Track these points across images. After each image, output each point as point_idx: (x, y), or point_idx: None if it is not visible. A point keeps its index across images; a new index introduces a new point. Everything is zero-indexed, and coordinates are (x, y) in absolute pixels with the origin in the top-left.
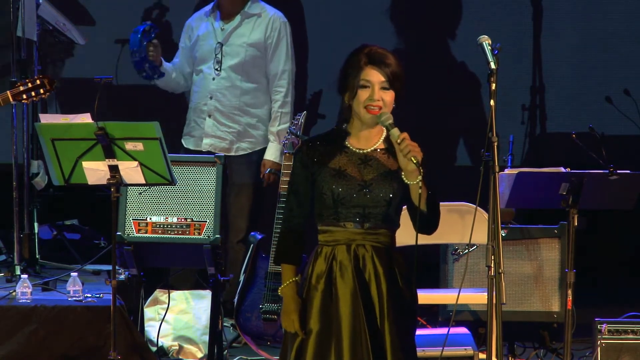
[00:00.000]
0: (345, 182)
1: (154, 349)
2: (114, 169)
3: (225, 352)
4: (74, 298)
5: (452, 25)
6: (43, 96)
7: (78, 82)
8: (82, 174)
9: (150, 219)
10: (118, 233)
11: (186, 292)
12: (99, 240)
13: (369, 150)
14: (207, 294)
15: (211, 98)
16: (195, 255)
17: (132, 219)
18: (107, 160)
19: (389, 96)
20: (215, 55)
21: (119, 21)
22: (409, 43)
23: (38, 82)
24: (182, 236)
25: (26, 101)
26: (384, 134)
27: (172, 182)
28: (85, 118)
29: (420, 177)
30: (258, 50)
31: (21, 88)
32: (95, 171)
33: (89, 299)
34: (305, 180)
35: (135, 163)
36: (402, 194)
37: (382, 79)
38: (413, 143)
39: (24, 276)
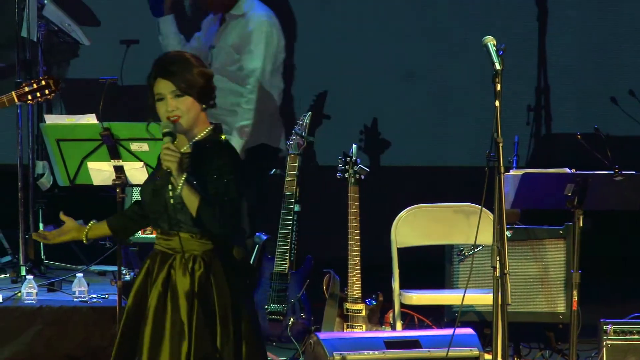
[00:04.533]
0: (148, 186)
1: None
2: (119, 170)
3: None
4: (80, 299)
5: (457, 26)
6: (48, 97)
7: (83, 82)
8: (87, 174)
9: None
10: None
11: None
12: (104, 241)
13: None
14: None
15: None
16: None
17: None
18: (112, 160)
19: (184, 103)
20: (208, 58)
21: (124, 22)
22: (416, 42)
23: (43, 82)
24: None
25: (31, 102)
26: (198, 137)
27: None
28: (91, 119)
29: (179, 186)
30: (237, 52)
31: (26, 89)
32: (100, 172)
33: (94, 300)
34: None
35: (141, 164)
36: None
37: (172, 88)
38: (170, 152)
39: (29, 277)
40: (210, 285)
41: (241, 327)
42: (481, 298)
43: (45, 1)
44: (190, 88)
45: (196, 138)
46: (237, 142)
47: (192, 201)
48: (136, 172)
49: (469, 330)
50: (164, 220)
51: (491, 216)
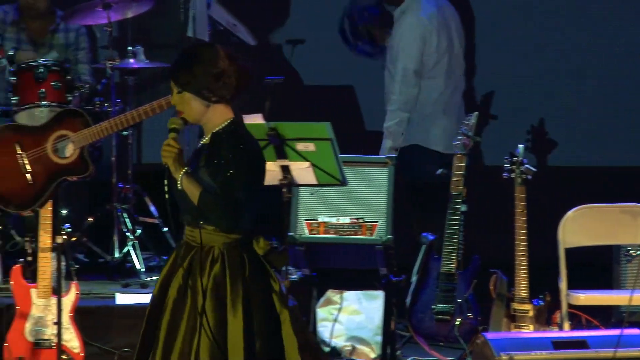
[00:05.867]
0: (174, 180)
1: (327, 349)
2: (285, 170)
3: (398, 353)
4: None
5: (626, 24)
6: None
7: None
8: None
9: (322, 219)
10: (290, 233)
11: (359, 292)
12: (271, 241)
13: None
14: (379, 294)
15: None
16: (367, 256)
17: (304, 220)
18: (278, 160)
19: (181, 98)
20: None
21: (290, 21)
22: (584, 40)
23: None
24: (354, 236)
25: None
26: (216, 129)
27: (343, 182)
28: (257, 119)
29: (178, 178)
30: (395, 52)
31: None
32: (267, 172)
33: None
34: None
35: (307, 163)
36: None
37: (173, 84)
38: (168, 148)
39: None
40: (225, 279)
41: (254, 322)
42: None
43: (212, 1)
44: (186, 85)
45: (215, 130)
46: (386, 143)
47: (192, 193)
48: (302, 172)
49: (636, 331)
50: (189, 212)
51: None
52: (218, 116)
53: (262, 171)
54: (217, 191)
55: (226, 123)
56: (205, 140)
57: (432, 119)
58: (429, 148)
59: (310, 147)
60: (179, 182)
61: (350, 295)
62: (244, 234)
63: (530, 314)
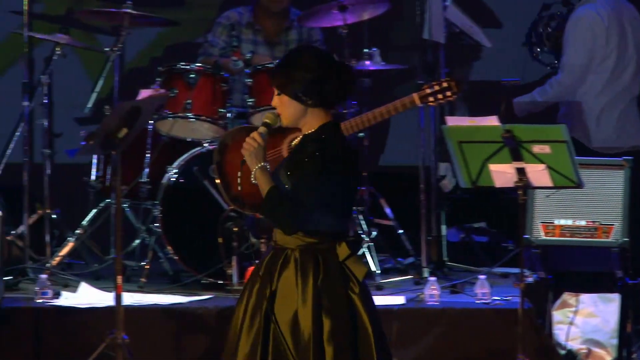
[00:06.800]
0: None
1: (562, 352)
2: (521, 172)
3: (634, 356)
4: (482, 301)
5: None
6: (450, 98)
7: (485, 85)
8: (489, 176)
9: (558, 221)
10: (526, 236)
11: (595, 295)
12: (506, 243)
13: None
14: (615, 297)
15: None
16: (603, 258)
17: (540, 222)
18: (514, 162)
19: (279, 100)
20: None
21: (526, 24)
22: None
23: (445, 84)
24: (589, 239)
25: (433, 104)
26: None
27: (579, 184)
28: (492, 121)
29: (253, 172)
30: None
31: (427, 90)
32: (502, 174)
33: (497, 302)
34: None
35: (543, 166)
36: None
37: (274, 86)
38: (250, 141)
39: (432, 278)
40: (294, 282)
41: (323, 327)
42: None
43: (448, 2)
44: (284, 88)
45: (307, 132)
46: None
47: (262, 188)
48: (538, 174)
49: None
50: None
51: None
52: (315, 120)
53: (342, 178)
54: (287, 192)
55: (317, 128)
56: (296, 142)
57: (588, 114)
58: (578, 141)
59: (546, 149)
60: (252, 176)
61: (586, 298)
62: (320, 238)
63: None
